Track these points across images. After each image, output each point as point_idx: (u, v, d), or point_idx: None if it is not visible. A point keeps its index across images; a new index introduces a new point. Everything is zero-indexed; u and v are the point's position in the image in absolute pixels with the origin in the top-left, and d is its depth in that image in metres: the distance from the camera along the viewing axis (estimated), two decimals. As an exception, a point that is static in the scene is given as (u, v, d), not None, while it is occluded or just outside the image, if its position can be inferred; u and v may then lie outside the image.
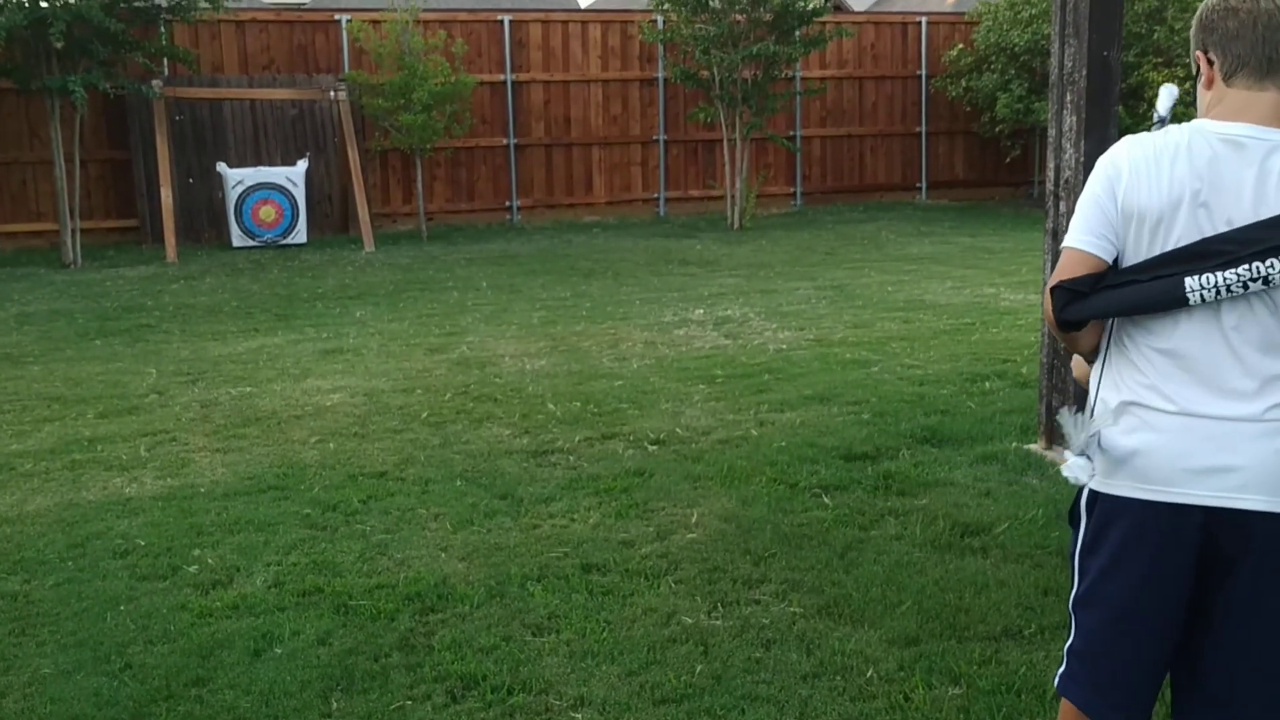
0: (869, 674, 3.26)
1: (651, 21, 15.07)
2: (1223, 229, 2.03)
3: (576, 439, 5.56)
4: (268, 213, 13.29)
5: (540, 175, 15.41)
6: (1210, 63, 2.12)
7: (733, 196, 14.45)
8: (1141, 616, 2.12)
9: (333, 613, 3.73)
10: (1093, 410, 2.18)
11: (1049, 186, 5.03)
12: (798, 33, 14.31)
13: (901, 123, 16.92)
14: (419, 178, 14.11)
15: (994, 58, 15.56)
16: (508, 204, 15.27)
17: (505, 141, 15.12)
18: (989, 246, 12.42)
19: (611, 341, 7.83)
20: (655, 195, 15.91)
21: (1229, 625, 2.10)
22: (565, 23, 15.51)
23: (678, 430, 5.67)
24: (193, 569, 4.12)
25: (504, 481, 4.97)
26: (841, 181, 16.80)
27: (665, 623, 3.61)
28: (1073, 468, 2.14)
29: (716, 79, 14.16)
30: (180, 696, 3.24)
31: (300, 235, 13.42)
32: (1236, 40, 2.07)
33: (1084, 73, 4.77)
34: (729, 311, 8.84)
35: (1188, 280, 2.03)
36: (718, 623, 3.60)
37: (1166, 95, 2.42)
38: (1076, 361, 2.39)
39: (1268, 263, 1.98)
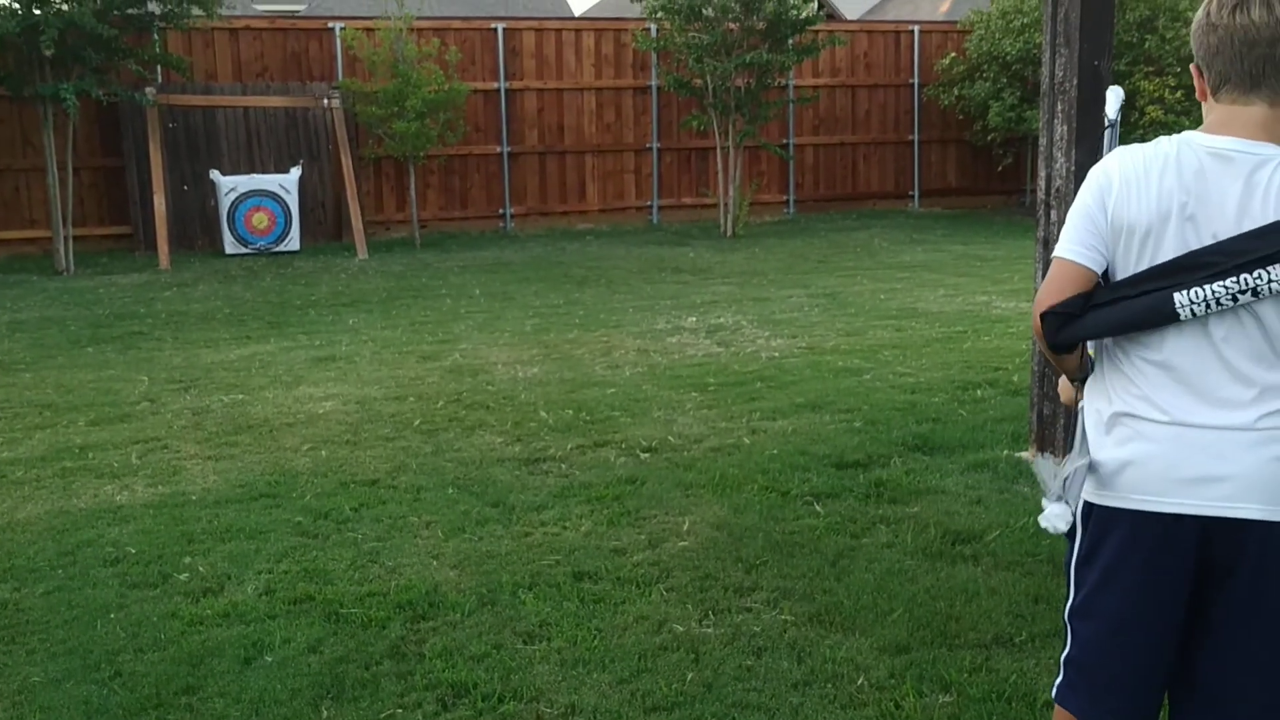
0: (860, 682, 3.27)
1: (645, 30, 15.10)
2: (1208, 243, 2.03)
3: (569, 447, 5.57)
4: (261, 220, 13.28)
5: (533, 183, 15.41)
6: (1202, 75, 2.14)
7: (726, 204, 14.47)
8: (1139, 626, 2.12)
9: (324, 621, 3.72)
10: (1083, 425, 2.19)
11: (1040, 195, 5.04)
12: (790, 41, 14.33)
13: (894, 131, 16.94)
14: (412, 185, 14.10)
15: (986, 66, 15.60)
16: (501, 211, 15.27)
17: (499, 149, 15.13)
18: (981, 254, 12.44)
19: (604, 349, 7.83)
20: (648, 203, 15.93)
21: (1227, 629, 2.10)
22: (559, 31, 15.52)
23: (670, 438, 5.67)
24: (183, 577, 4.11)
25: (496, 489, 4.97)
26: (834, 189, 16.82)
27: (656, 630, 3.61)
28: (1049, 517, 2.11)
29: (709, 87, 14.19)
30: (170, 705, 3.23)
31: (293, 242, 13.41)
32: (1218, 56, 2.07)
33: (1075, 82, 4.79)
34: (721, 319, 8.85)
35: (1176, 295, 2.03)
36: (709, 630, 3.61)
37: (1114, 98, 2.43)
38: (1063, 384, 2.39)
39: (1255, 274, 1.99)
